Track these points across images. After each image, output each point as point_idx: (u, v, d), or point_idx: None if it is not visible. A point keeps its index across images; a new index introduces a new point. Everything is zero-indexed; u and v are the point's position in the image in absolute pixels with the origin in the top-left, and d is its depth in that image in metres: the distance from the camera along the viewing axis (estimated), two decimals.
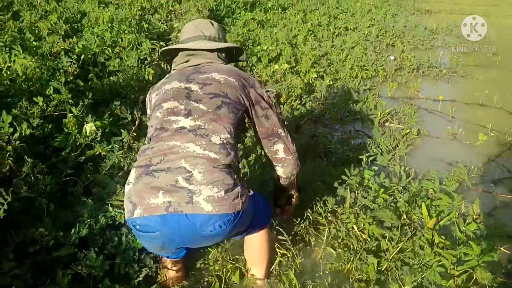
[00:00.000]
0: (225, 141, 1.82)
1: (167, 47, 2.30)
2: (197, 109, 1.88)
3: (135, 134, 2.98)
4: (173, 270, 2.25)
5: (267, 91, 2.14)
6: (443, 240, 2.41)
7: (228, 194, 1.69)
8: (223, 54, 2.26)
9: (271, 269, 2.40)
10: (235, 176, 1.79)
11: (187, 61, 2.19)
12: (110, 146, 2.80)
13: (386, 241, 2.44)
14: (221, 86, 1.96)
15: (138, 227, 1.73)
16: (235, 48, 2.35)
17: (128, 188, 1.76)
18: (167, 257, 2.16)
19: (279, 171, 2.27)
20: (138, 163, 1.80)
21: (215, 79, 1.98)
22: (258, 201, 2.05)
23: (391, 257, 2.39)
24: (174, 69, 2.23)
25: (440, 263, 2.27)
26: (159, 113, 1.94)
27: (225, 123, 1.87)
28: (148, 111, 2.14)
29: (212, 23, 2.31)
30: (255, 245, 2.24)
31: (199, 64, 2.13)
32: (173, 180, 1.68)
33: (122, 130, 2.96)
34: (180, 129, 1.83)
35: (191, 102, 1.91)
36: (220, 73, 2.01)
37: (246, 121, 2.19)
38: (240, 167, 1.95)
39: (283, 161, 2.21)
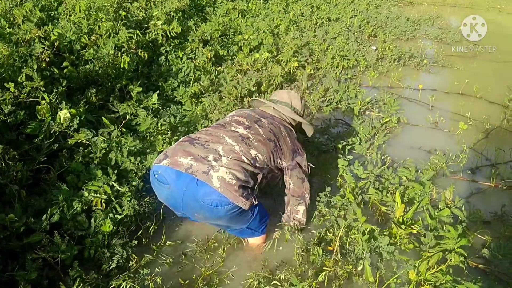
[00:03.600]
0: (258, 159, 2.23)
1: (259, 99, 2.91)
2: (256, 130, 2.37)
3: (124, 129, 3.00)
4: None
5: (308, 164, 2.60)
6: (412, 228, 2.44)
7: (237, 187, 2.03)
8: (295, 124, 2.81)
9: None
10: (250, 184, 2.14)
11: (268, 106, 2.79)
12: (96, 138, 2.76)
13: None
14: (281, 136, 2.47)
15: (157, 175, 2.11)
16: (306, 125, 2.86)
17: (169, 147, 2.23)
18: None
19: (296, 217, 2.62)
20: (189, 135, 2.29)
21: (280, 129, 2.52)
22: (260, 212, 2.32)
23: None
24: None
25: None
26: (229, 117, 2.50)
27: (266, 153, 2.29)
28: None
29: (301, 99, 2.87)
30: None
31: (274, 116, 2.68)
32: (205, 154, 2.11)
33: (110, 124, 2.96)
34: (234, 132, 2.30)
35: (255, 124, 2.41)
36: (286, 130, 2.56)
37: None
38: (255, 188, 2.26)
39: (301, 219, 2.59)
